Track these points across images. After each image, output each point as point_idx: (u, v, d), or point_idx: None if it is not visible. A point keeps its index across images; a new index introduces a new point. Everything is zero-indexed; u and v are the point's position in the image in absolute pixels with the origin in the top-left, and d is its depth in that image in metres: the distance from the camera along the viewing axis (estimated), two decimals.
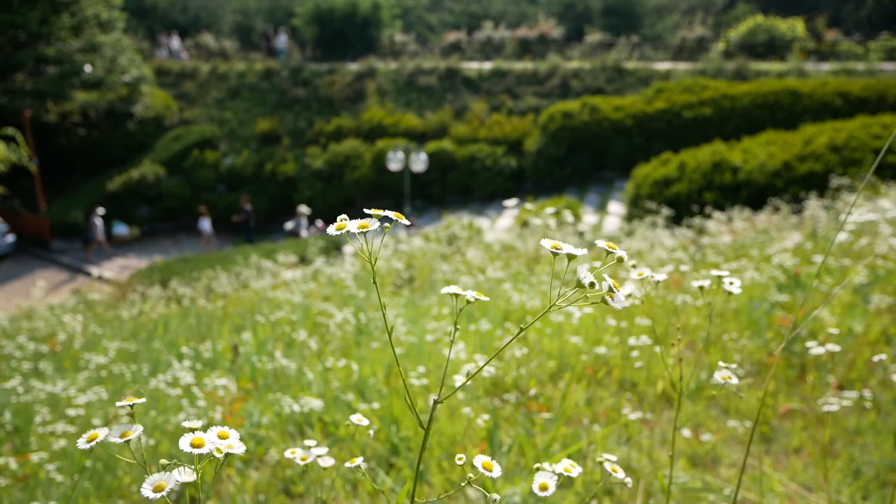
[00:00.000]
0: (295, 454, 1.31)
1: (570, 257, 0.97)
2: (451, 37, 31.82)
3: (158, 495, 0.91)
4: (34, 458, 3.83)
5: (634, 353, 3.91)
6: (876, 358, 2.09)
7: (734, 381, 1.31)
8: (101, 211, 21.12)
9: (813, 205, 9.33)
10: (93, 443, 0.98)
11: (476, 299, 1.01)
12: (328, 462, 1.32)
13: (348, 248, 16.76)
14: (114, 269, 20.20)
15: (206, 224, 21.13)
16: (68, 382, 5.32)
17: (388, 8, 32.90)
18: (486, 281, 6.98)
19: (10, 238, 21.17)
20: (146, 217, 23.81)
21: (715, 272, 1.49)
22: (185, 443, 0.95)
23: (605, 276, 0.95)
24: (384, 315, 1.02)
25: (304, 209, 19.76)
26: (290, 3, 38.60)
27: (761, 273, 5.40)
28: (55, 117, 24.84)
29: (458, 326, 1.06)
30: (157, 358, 5.98)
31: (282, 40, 31.31)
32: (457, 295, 1.02)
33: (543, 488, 1.08)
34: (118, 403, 1.05)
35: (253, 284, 10.17)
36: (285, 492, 3.37)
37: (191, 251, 20.87)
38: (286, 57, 30.00)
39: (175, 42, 32.54)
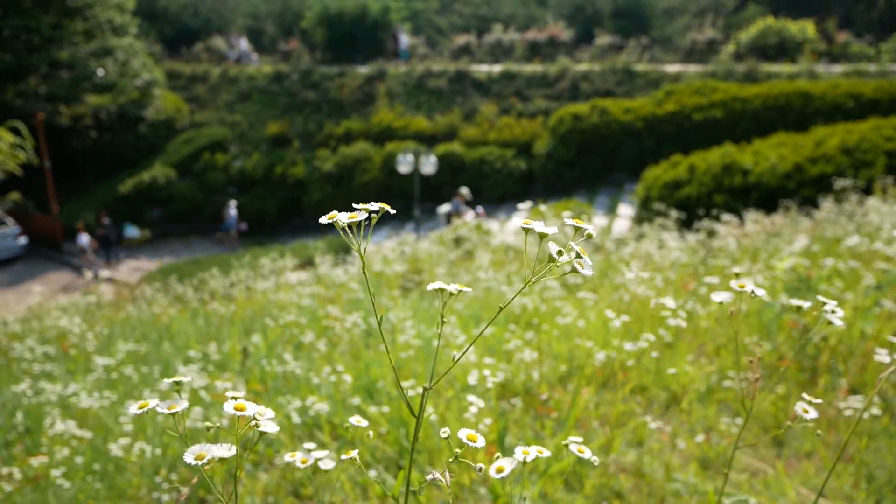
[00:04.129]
0: (295, 457, 1.36)
1: (542, 235, 1.01)
2: (461, 39, 31.86)
3: (200, 462, 1.02)
4: (45, 460, 3.85)
5: (642, 360, 3.89)
6: (875, 357, 2.07)
7: (811, 415, 1.32)
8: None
9: (824, 207, 9.27)
10: (144, 409, 1.08)
11: (459, 291, 1.08)
12: (329, 465, 1.36)
13: None
14: (125, 270, 20.31)
15: (83, 238, 19.87)
16: (79, 385, 5.35)
17: (398, 11, 32.96)
18: (495, 282, 6.97)
19: (23, 240, 21.34)
20: (157, 219, 23.94)
21: (734, 283, 1.47)
22: (228, 406, 1.07)
23: (573, 245, 0.99)
24: (379, 322, 1.02)
25: (464, 190, 18.60)
26: (300, 7, 38.73)
27: (772, 276, 5.36)
28: (68, 120, 25.04)
29: (444, 319, 1.13)
30: (167, 360, 6.01)
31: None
32: (442, 290, 1.10)
33: (499, 471, 1.14)
34: (130, 409, 1.10)
35: (262, 286, 10.20)
36: (294, 494, 3.37)
37: (201, 253, 20.96)
38: (290, 61, 30.18)
39: (243, 44, 32.43)
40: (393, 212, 1.08)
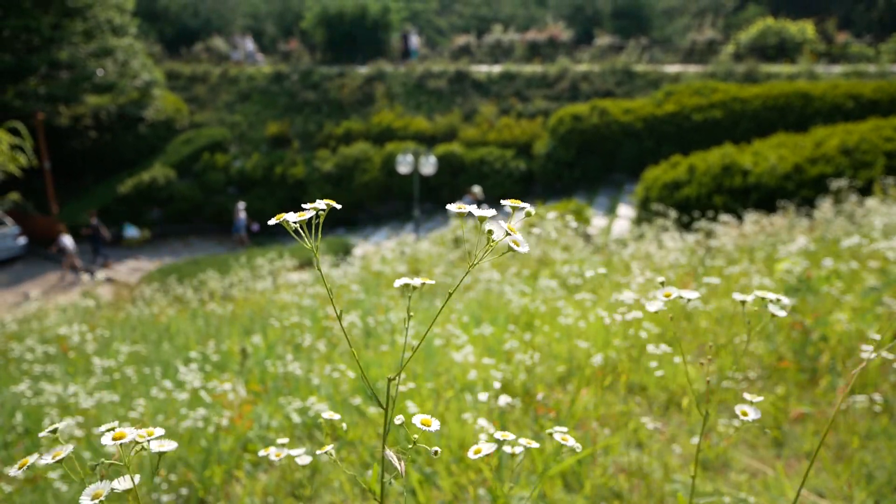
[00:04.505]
0: (269, 451, 1.39)
1: (481, 219, 1.06)
2: (461, 40, 31.85)
3: (96, 502, 0.93)
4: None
5: (641, 361, 3.90)
6: (863, 352, 2.07)
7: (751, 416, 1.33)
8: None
9: (823, 208, 9.27)
10: (23, 469, 1.01)
11: (423, 283, 1.13)
12: (305, 460, 1.40)
13: (358, 251, 16.79)
14: (125, 270, 20.31)
15: (65, 240, 19.79)
16: (79, 387, 5.35)
17: (398, 11, 32.96)
18: (496, 283, 6.97)
19: (22, 240, 21.34)
20: (157, 219, 23.95)
21: (744, 295, 1.47)
22: (106, 439, 0.99)
23: (499, 223, 1.04)
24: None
25: (476, 189, 18.18)
26: (299, 7, 38.73)
27: (770, 277, 5.36)
28: (67, 121, 25.03)
29: (411, 314, 1.20)
30: (166, 360, 6.01)
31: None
32: (407, 284, 1.14)
33: (477, 452, 1.18)
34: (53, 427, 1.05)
35: (261, 286, 10.20)
36: (293, 494, 3.37)
37: (201, 253, 20.96)
38: (290, 61, 30.12)
39: (249, 44, 32.23)
40: (339, 207, 1.11)
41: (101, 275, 15.87)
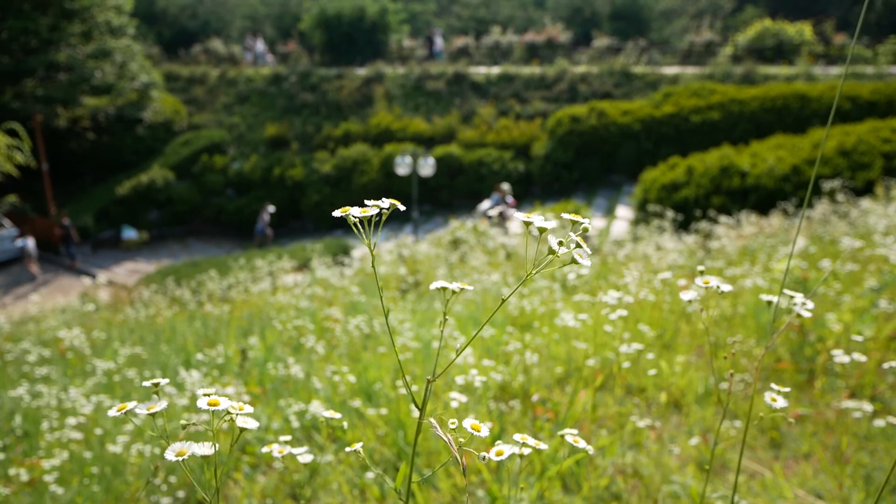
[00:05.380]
0: (272, 447, 1.41)
1: (541, 230, 1.05)
2: (459, 42, 31.86)
3: (181, 458, 1.01)
4: (44, 464, 3.85)
5: (639, 362, 3.90)
6: (886, 365, 2.07)
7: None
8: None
9: (821, 209, 9.28)
10: (123, 411, 1.07)
11: (461, 289, 1.13)
12: (307, 458, 1.42)
13: (356, 253, 16.78)
14: (123, 272, 20.30)
15: (27, 242, 20.10)
16: (79, 391, 5.35)
17: (396, 13, 32.97)
18: (493, 285, 6.98)
19: (20, 242, 21.31)
20: (155, 221, 23.94)
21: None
22: (202, 402, 1.05)
23: (572, 235, 1.03)
24: (387, 316, 1.03)
25: (506, 186, 17.73)
26: (298, 9, 38.74)
27: (768, 278, 5.37)
28: (65, 122, 25.01)
29: (447, 317, 1.16)
30: (164, 362, 6.00)
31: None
32: (444, 288, 1.14)
33: (499, 454, 1.18)
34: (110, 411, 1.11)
35: (259, 288, 10.19)
36: (292, 496, 3.37)
37: (199, 255, 20.96)
38: (292, 62, 30.04)
39: (260, 45, 32.06)
40: (403, 208, 1.12)
41: (104, 275, 15.86)
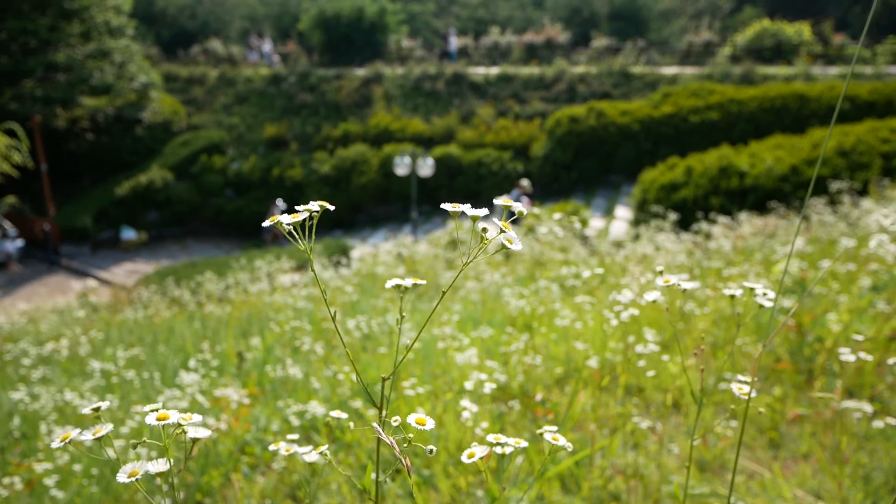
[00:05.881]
0: (279, 445, 1.39)
1: (474, 218, 1.05)
2: (458, 42, 31.88)
3: (132, 479, 0.98)
4: (40, 468, 3.85)
5: (642, 361, 3.90)
6: (891, 360, 2.08)
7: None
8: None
9: (820, 209, 9.29)
10: (65, 442, 1.04)
11: (415, 284, 1.13)
12: (314, 457, 1.43)
13: (355, 253, 16.77)
14: (122, 273, 20.29)
15: (7, 245, 20.60)
16: (74, 393, 5.34)
17: (395, 13, 32.98)
18: (491, 285, 6.98)
19: (20, 242, 21.32)
20: (154, 222, 23.93)
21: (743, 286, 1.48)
22: (150, 418, 1.02)
23: (496, 221, 1.03)
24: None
25: (525, 182, 17.66)
26: (297, 9, 38.74)
27: (766, 278, 5.37)
28: (64, 123, 25.00)
29: (404, 315, 1.18)
30: (163, 363, 6.00)
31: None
32: (399, 285, 1.14)
33: (471, 456, 1.17)
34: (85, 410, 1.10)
35: (257, 289, 10.18)
36: (292, 497, 3.37)
37: (198, 255, 20.95)
38: (291, 63, 29.99)
39: (266, 45, 31.89)
40: (332, 208, 1.10)
41: (102, 276, 15.85)
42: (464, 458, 1.16)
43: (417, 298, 7.74)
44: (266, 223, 1.10)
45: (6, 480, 3.70)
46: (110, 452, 1.04)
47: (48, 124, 24.17)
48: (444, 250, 10.81)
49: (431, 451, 1.15)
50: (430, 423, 1.12)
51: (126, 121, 25.83)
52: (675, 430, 3.57)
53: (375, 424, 1.10)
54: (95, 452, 1.03)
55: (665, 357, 3.52)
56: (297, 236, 1.04)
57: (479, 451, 1.17)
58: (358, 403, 3.91)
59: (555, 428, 1.26)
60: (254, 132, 27.06)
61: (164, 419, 1.01)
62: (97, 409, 1.11)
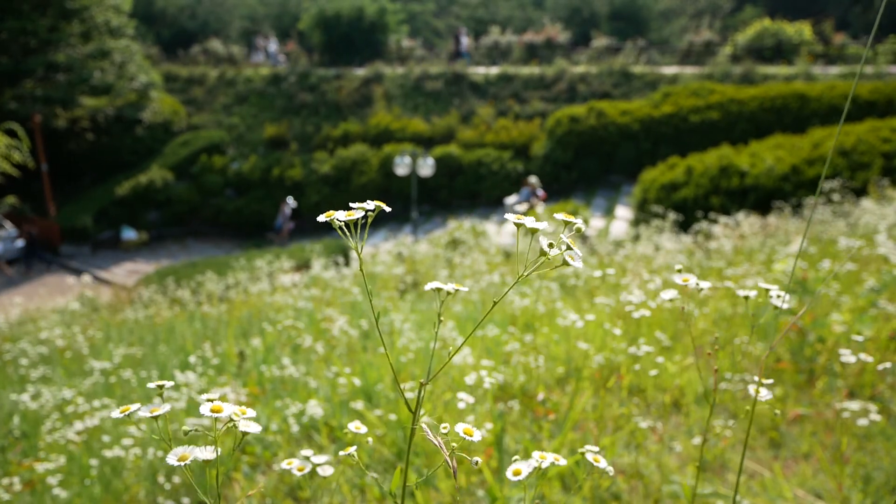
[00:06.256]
0: (292, 464, 1.37)
1: (532, 231, 1.02)
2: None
3: (182, 463, 1.01)
4: (40, 467, 3.84)
5: (638, 365, 3.90)
6: (880, 367, 2.07)
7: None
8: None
9: (819, 209, 9.28)
10: (126, 413, 1.07)
11: (456, 290, 1.11)
12: (329, 471, 1.41)
13: (355, 254, 16.77)
14: (122, 273, 20.29)
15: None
16: (74, 392, 5.34)
17: (395, 13, 32.98)
18: (490, 285, 6.97)
19: (20, 243, 21.31)
20: (154, 222, 23.93)
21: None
22: (205, 408, 1.05)
23: (563, 237, 1.00)
24: (377, 318, 1.03)
25: (533, 179, 17.42)
26: (297, 9, 38.74)
27: (768, 278, 5.37)
28: (64, 123, 25.00)
29: (441, 318, 1.14)
30: (163, 363, 6.00)
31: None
32: (439, 289, 1.12)
33: (517, 473, 1.17)
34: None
35: (258, 289, 10.18)
36: (292, 496, 3.37)
37: (198, 255, 20.95)
38: (291, 63, 29.96)
39: (273, 45, 31.63)
40: (388, 209, 1.11)
41: (102, 276, 15.85)
42: (510, 476, 1.16)
43: (417, 299, 7.74)
44: (321, 218, 1.11)
45: (5, 481, 3.70)
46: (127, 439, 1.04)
47: (48, 124, 24.17)
48: (444, 250, 10.81)
49: (477, 462, 1.15)
50: (477, 435, 1.13)
51: (126, 121, 25.83)
52: (676, 429, 3.57)
53: (425, 426, 1.10)
54: (149, 428, 1.05)
55: (660, 359, 3.52)
56: (348, 233, 1.07)
57: (524, 466, 1.17)
58: (359, 404, 3.91)
59: (596, 448, 1.26)
60: (254, 132, 27.06)
61: (217, 411, 1.04)
62: (161, 387, 1.16)
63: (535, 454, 1.17)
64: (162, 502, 3.37)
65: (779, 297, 1.37)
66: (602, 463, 1.20)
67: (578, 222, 1.03)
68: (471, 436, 1.11)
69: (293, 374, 4.62)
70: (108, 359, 6.42)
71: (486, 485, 2.99)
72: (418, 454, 3.32)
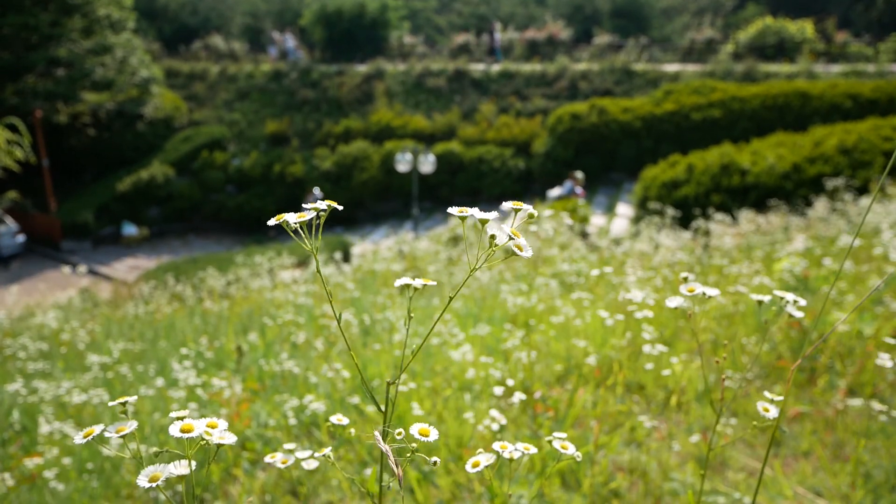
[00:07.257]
0: (275, 458, 1.34)
1: (482, 221, 1.02)
2: (460, 38, 31.81)
3: (153, 484, 0.95)
4: (40, 460, 3.85)
5: (649, 365, 3.89)
6: (880, 361, 2.07)
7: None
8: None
9: (821, 207, 9.27)
10: (89, 438, 1.01)
11: (424, 285, 1.09)
12: (312, 465, 1.39)
13: (356, 250, 16.77)
14: (123, 269, 20.30)
15: None
16: (73, 384, 5.34)
17: (396, 9, 32.93)
18: (490, 282, 6.97)
19: (21, 238, 21.33)
20: (155, 217, 23.94)
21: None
22: (174, 429, 0.99)
23: (501, 226, 1.00)
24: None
25: (579, 174, 17.19)
26: (299, 5, 38.70)
27: (769, 276, 5.36)
28: (66, 118, 25.00)
29: (411, 314, 1.14)
30: (163, 358, 6.00)
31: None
32: (408, 285, 1.10)
33: (475, 465, 1.16)
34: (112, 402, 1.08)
35: (258, 285, 10.19)
36: (292, 493, 3.37)
37: (200, 251, 20.95)
38: (298, 60, 29.86)
39: (290, 41, 30.79)
40: (340, 208, 1.08)
41: (103, 271, 15.86)
42: (468, 468, 1.15)
43: (416, 294, 7.73)
44: (272, 221, 1.08)
45: (6, 477, 3.70)
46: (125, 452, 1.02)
47: (50, 119, 24.16)
48: (445, 247, 10.80)
49: (435, 462, 1.14)
50: (433, 434, 1.10)
51: (127, 116, 25.82)
52: (676, 427, 3.56)
53: (377, 433, 1.09)
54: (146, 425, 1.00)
55: (661, 347, 3.52)
56: (303, 235, 1.04)
57: (483, 459, 1.16)
58: (357, 399, 3.91)
59: (563, 435, 1.25)
60: (255, 128, 27.04)
61: (188, 431, 0.99)
62: (124, 404, 1.08)
63: (496, 444, 1.17)
64: (161, 498, 3.37)
65: (795, 302, 1.34)
66: (570, 450, 1.19)
67: (529, 208, 1.03)
68: (426, 436, 1.09)
69: (292, 369, 4.62)
70: (107, 354, 6.42)
71: (486, 482, 2.99)
72: (417, 451, 3.31)
